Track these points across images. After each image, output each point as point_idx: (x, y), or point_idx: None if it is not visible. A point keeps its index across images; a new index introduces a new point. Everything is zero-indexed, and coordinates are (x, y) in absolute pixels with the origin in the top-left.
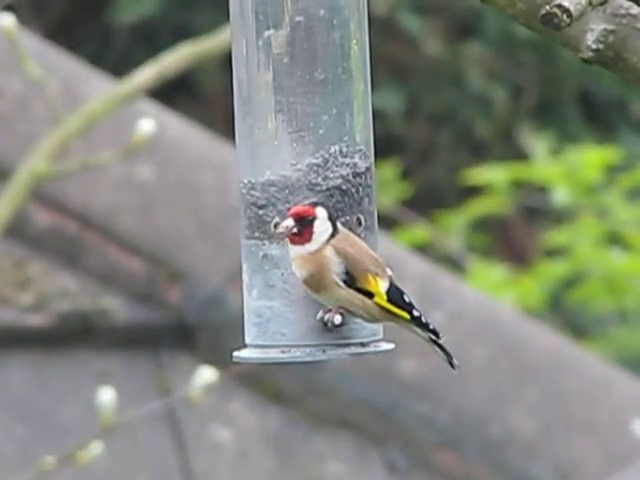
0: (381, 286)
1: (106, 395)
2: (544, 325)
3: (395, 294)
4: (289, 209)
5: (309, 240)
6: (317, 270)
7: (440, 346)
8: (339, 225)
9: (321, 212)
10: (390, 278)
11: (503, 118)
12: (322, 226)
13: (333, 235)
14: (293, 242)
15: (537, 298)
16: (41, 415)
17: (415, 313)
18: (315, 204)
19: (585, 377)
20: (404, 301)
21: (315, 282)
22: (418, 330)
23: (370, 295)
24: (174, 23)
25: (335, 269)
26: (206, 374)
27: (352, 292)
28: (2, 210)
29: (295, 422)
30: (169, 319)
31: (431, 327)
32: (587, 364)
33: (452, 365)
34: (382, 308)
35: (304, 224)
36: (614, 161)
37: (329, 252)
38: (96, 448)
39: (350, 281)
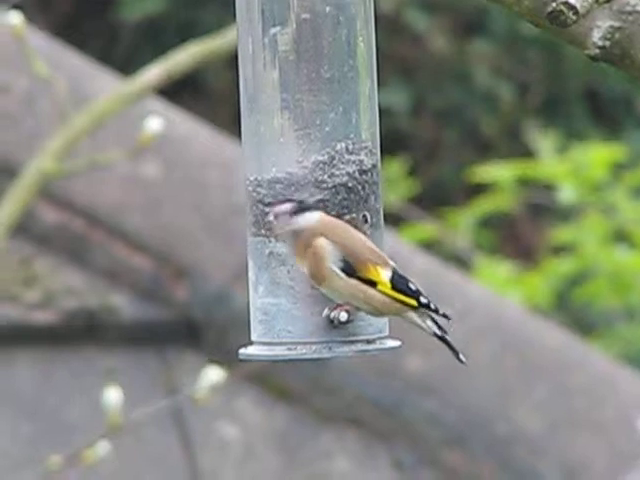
0: (383, 275)
1: (112, 394)
2: (550, 322)
3: (399, 282)
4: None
5: None
6: (314, 262)
7: (446, 342)
8: (324, 217)
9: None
10: (393, 268)
11: (509, 115)
12: None
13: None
14: None
15: (543, 295)
16: (47, 413)
17: (423, 300)
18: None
19: (591, 374)
20: (410, 288)
21: (315, 274)
22: (424, 325)
23: (373, 284)
24: (180, 21)
25: (330, 258)
26: (213, 373)
27: (353, 282)
28: (9, 208)
29: (301, 419)
30: (175, 316)
31: (441, 312)
32: (593, 361)
33: (459, 360)
34: (387, 296)
35: None
36: (620, 158)
37: (322, 241)
38: (103, 447)
39: (349, 270)
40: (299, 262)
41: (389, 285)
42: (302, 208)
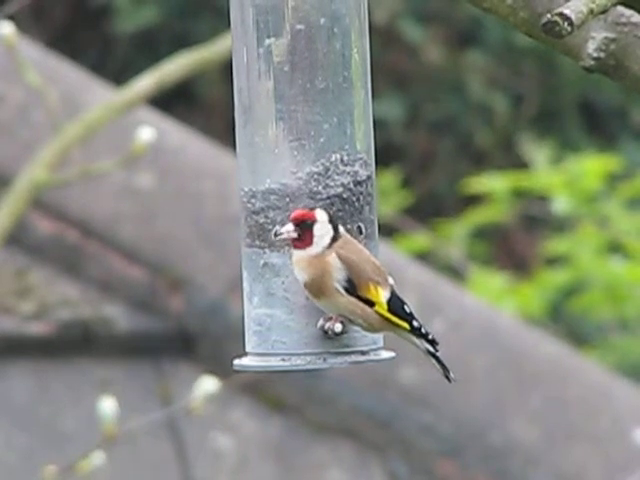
0: (382, 295)
1: (107, 404)
2: (545, 333)
3: (396, 304)
4: (289, 214)
5: (310, 244)
6: (319, 275)
7: (438, 359)
8: (343, 231)
9: (321, 215)
10: (391, 287)
11: (504, 127)
12: (322, 229)
13: (335, 239)
14: (296, 246)
15: (538, 306)
16: (42, 424)
17: (415, 324)
18: (315, 207)
19: (586, 385)
20: (404, 311)
21: (316, 287)
22: (416, 342)
23: (371, 304)
24: (174, 32)
25: (337, 276)
26: (207, 384)
27: (353, 300)
28: (3, 218)
29: (296, 430)
30: (170, 327)
31: (430, 337)
32: (588, 372)
33: (448, 379)
34: (382, 317)
35: (304, 228)
36: (614, 170)
37: (332, 259)
38: (97, 458)
39: (351, 289)
40: (300, 270)
41: (386, 307)
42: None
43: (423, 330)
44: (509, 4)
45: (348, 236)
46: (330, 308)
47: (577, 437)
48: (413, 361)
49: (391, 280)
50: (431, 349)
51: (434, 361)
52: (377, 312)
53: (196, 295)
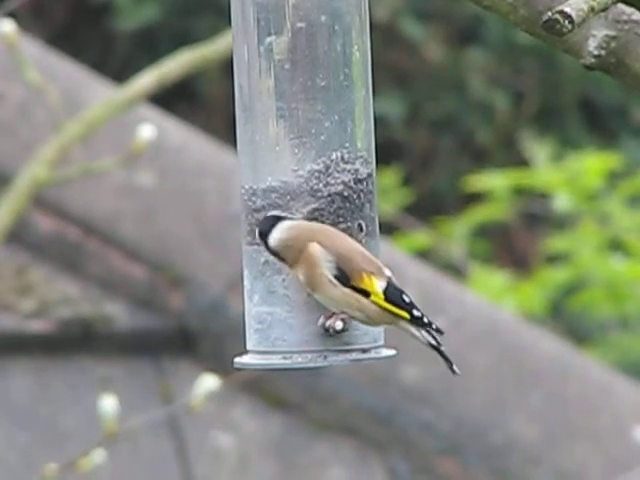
0: (377, 285)
1: (108, 402)
2: (545, 331)
3: (393, 293)
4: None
5: None
6: (308, 269)
7: (440, 352)
8: (316, 223)
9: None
10: (389, 278)
11: (504, 125)
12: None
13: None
14: None
15: (538, 304)
16: (42, 422)
17: (415, 313)
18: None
19: (586, 383)
20: (403, 301)
21: (310, 281)
22: (418, 335)
23: (366, 294)
24: (175, 30)
25: (325, 265)
26: (208, 382)
27: (347, 291)
28: (3, 216)
29: (297, 428)
30: (170, 325)
31: (434, 326)
32: (588, 370)
33: (453, 371)
34: (380, 308)
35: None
36: (615, 167)
37: (316, 249)
38: (98, 455)
39: (343, 279)
40: (294, 269)
41: (382, 297)
42: (265, 230)
43: (425, 319)
44: (509, 2)
45: (334, 230)
46: (328, 302)
47: (577, 435)
48: (414, 359)
49: (388, 272)
50: (433, 342)
51: (437, 354)
52: (374, 302)
53: (197, 293)
